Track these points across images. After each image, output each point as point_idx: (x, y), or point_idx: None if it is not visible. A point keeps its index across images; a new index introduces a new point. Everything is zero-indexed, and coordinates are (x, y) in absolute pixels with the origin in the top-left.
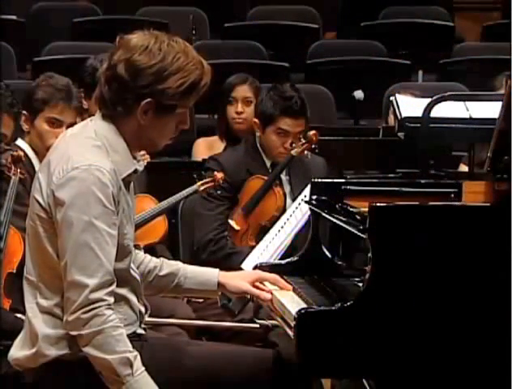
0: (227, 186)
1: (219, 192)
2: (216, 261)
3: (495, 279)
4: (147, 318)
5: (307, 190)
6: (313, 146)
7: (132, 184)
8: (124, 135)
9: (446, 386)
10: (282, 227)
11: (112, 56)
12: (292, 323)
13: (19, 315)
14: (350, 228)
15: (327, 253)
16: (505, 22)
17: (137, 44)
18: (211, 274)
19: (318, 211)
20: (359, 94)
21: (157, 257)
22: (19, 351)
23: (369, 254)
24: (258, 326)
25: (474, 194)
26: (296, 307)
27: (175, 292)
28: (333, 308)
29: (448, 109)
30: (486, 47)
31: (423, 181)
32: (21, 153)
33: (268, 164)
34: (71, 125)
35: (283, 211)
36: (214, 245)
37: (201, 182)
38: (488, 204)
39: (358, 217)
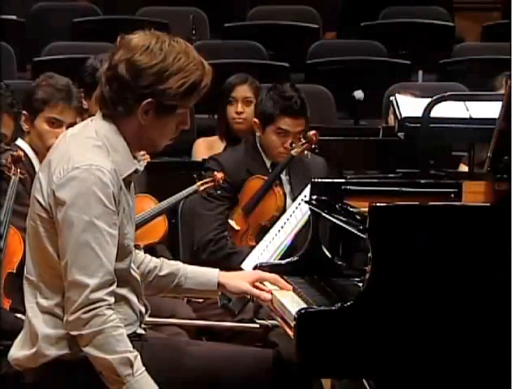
0: (227, 186)
1: (219, 192)
2: (216, 261)
3: (495, 279)
4: (147, 318)
5: (307, 190)
6: (313, 146)
7: (132, 184)
8: (124, 135)
9: (446, 386)
10: (282, 227)
11: (113, 56)
12: (292, 323)
13: (19, 315)
14: (350, 228)
15: (327, 253)
16: (505, 22)
17: (138, 44)
18: (211, 274)
19: (318, 211)
20: (359, 94)
21: (157, 257)
22: (19, 351)
23: (369, 254)
24: (258, 326)
25: (474, 194)
26: (296, 307)
27: (175, 293)
28: (333, 308)
29: (448, 109)
30: (486, 47)
31: (423, 181)
32: (21, 153)
33: (268, 164)
34: (71, 125)
35: (283, 211)
36: (214, 245)
37: (201, 182)
38: (488, 204)
39: (358, 217)
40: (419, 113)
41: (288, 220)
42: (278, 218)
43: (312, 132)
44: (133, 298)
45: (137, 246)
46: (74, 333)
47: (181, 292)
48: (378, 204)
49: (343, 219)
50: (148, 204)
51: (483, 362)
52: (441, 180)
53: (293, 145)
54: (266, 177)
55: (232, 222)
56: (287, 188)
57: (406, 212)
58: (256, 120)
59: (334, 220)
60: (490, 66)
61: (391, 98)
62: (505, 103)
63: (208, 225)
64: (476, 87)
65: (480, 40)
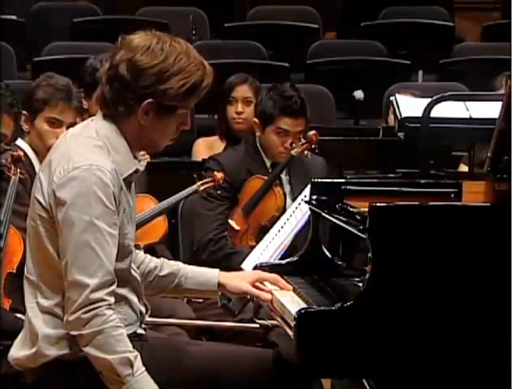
0: (227, 186)
1: (219, 192)
2: (216, 261)
3: (495, 279)
4: (147, 318)
5: (307, 190)
6: (313, 146)
7: (133, 184)
8: (125, 135)
9: (446, 386)
10: (282, 227)
11: (114, 56)
12: (292, 323)
13: (19, 315)
14: (350, 228)
15: (327, 253)
16: (505, 22)
17: (139, 44)
18: (211, 274)
19: (318, 211)
20: (359, 94)
21: (157, 257)
22: (19, 351)
23: (369, 254)
24: (258, 326)
25: (474, 194)
26: (296, 307)
27: (175, 293)
28: (333, 308)
29: (448, 109)
30: (486, 47)
31: (423, 181)
32: (21, 153)
33: (268, 164)
34: (71, 125)
35: (283, 211)
36: (214, 245)
37: (201, 182)
38: (488, 204)
39: (358, 217)
40: (419, 113)
41: (288, 220)
42: (278, 218)
43: (312, 132)
44: (133, 298)
45: (137, 246)
46: (74, 333)
47: (181, 292)
48: (378, 204)
49: (343, 219)
50: (148, 204)
51: (483, 362)
52: (441, 180)
53: (293, 145)
54: (266, 177)
55: (232, 222)
56: (287, 188)
57: (406, 212)
58: (256, 120)
59: (334, 220)
60: (490, 66)
61: (391, 98)
62: (505, 103)
63: (208, 225)
64: (476, 87)
65: (480, 40)
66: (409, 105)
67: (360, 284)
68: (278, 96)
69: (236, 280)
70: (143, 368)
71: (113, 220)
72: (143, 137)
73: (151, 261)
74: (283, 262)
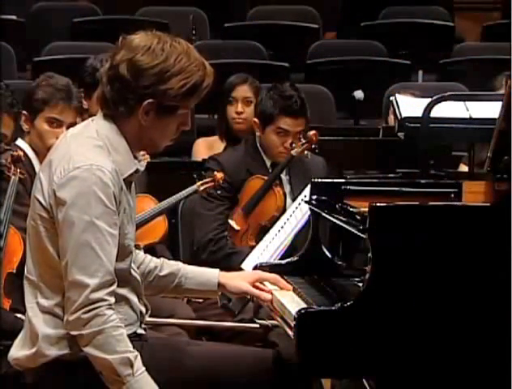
0: (227, 186)
1: (219, 192)
2: (216, 261)
3: (495, 279)
4: (147, 318)
5: (307, 190)
6: (313, 146)
7: (133, 184)
8: (125, 135)
9: (446, 386)
10: (282, 227)
11: (114, 56)
12: (292, 323)
13: (19, 315)
14: (350, 228)
15: (327, 253)
16: (505, 22)
17: (139, 44)
18: (211, 274)
19: (318, 211)
20: (359, 94)
21: (157, 257)
22: (19, 351)
23: (369, 254)
24: (258, 326)
25: (474, 194)
26: (296, 307)
27: (175, 293)
28: (333, 308)
29: (448, 109)
30: (486, 47)
31: (423, 181)
32: (21, 153)
33: (268, 164)
34: (71, 125)
35: (283, 211)
36: (214, 245)
37: (201, 182)
38: (488, 204)
39: (358, 217)
40: (419, 113)
41: (288, 220)
42: (278, 218)
43: (312, 132)
44: (133, 298)
45: (137, 246)
46: (74, 333)
47: (181, 292)
48: (378, 204)
49: (343, 219)
50: (148, 204)
51: (483, 362)
52: (441, 180)
53: (293, 145)
54: (266, 177)
55: (232, 222)
56: (287, 188)
57: (406, 212)
58: (256, 120)
59: (334, 220)
60: (490, 66)
61: (391, 98)
62: (505, 103)
63: (208, 225)
64: (476, 87)
65: (480, 40)
66: (409, 105)
67: (360, 284)
68: (278, 96)
69: (236, 280)
70: (143, 368)
71: (114, 220)
72: (144, 137)
73: (151, 261)
74: (283, 262)
